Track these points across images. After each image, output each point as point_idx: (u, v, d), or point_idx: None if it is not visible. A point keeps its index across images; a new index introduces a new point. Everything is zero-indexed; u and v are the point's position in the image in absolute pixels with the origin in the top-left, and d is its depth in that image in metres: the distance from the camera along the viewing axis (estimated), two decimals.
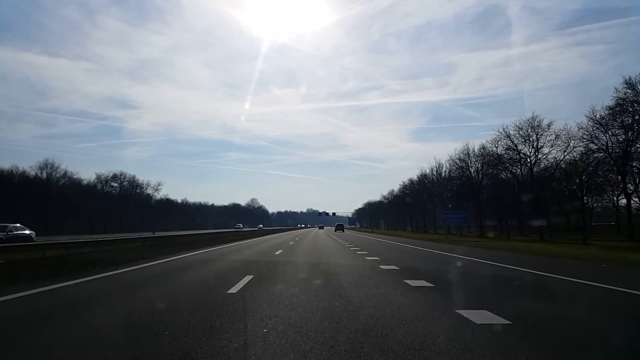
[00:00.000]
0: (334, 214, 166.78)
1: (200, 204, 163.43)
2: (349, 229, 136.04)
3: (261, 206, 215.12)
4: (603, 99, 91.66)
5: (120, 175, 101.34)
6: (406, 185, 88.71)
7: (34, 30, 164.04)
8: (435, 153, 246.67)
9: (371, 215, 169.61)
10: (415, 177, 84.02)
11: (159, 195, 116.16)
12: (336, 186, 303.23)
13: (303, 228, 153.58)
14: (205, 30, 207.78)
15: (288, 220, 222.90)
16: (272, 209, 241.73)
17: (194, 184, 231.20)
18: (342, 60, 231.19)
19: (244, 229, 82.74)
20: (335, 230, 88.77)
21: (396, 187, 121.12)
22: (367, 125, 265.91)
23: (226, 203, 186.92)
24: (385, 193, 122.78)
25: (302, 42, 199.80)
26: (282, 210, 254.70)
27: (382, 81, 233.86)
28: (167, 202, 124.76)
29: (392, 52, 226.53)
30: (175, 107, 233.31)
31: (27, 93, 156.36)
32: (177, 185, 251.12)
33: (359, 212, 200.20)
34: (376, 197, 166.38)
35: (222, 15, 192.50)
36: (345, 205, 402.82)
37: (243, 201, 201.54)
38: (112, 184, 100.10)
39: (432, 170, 74.29)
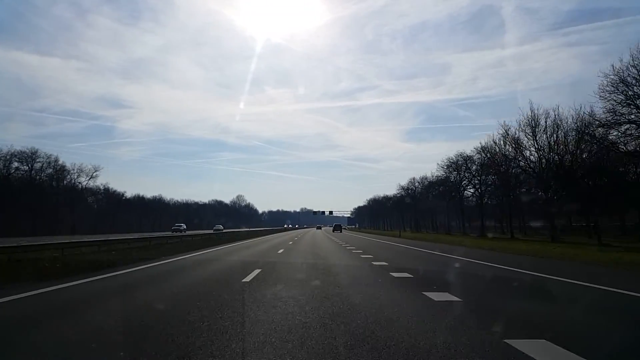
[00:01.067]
0: (330, 212, 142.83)
1: (177, 201, 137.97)
2: (348, 230, 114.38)
3: (248, 204, 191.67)
4: (596, 100, 72.79)
5: (32, 153, 70.46)
6: (447, 166, 61.69)
7: (25, 29, 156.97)
8: (429, 153, 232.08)
9: (375, 214, 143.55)
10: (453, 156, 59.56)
11: (96, 184, 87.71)
12: (330, 186, 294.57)
13: (292, 229, 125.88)
14: (199, 30, 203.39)
15: (287, 220, 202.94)
16: (265, 208, 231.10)
17: (187, 184, 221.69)
18: (336, 60, 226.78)
19: (186, 233, 52.47)
20: (333, 231, 79.11)
21: (394, 186, 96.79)
22: (361, 126, 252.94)
23: (206, 200, 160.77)
24: (395, 188, 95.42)
25: (296, 42, 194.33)
26: (274, 209, 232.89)
27: (376, 81, 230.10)
28: (121, 198, 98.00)
29: (387, 52, 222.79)
30: (168, 106, 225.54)
31: (18, 92, 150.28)
32: (172, 185, 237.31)
33: (358, 210, 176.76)
34: (370, 197, 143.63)
35: (216, 15, 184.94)
36: (340, 205, 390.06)
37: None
38: (15, 163, 68.74)
39: (499, 139, 44.71)
